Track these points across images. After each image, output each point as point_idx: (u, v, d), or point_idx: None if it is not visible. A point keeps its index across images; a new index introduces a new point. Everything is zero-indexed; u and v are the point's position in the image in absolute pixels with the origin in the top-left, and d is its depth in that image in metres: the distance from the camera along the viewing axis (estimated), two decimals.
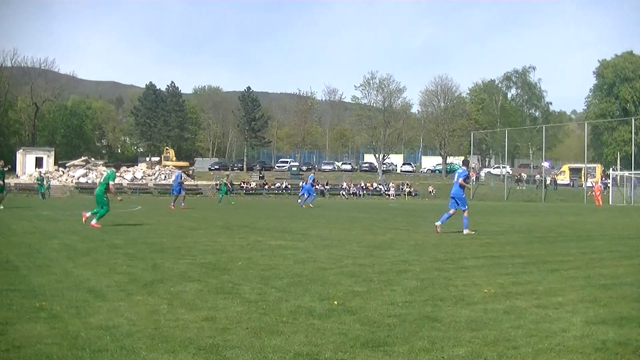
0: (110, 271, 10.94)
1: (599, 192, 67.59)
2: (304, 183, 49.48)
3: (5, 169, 35.36)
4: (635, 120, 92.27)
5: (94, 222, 21.43)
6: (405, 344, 6.28)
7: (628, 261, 13.28)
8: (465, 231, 20.83)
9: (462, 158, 25.72)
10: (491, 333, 6.75)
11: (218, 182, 50.75)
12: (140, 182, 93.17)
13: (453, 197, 21.75)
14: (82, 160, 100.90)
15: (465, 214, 21.43)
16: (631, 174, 78.34)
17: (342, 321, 7.22)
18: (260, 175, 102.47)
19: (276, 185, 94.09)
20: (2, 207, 32.42)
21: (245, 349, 6.01)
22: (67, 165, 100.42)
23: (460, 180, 21.64)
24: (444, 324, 7.16)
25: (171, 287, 9.37)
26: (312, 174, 52.03)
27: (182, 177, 42.16)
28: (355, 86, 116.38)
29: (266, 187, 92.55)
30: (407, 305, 8.18)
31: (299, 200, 40.29)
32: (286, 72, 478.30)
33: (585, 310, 7.98)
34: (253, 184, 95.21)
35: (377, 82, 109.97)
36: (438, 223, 21.18)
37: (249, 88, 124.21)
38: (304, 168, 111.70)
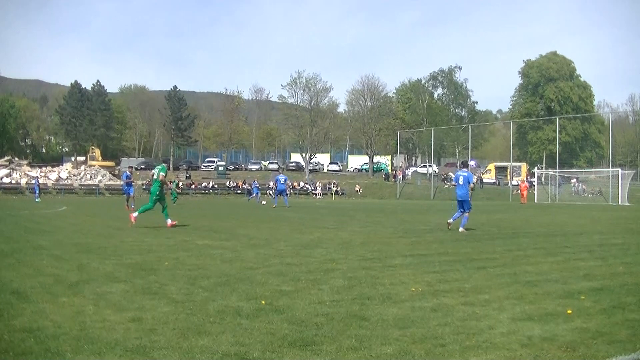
0: (35, 272, 10.76)
1: (525, 191, 68.53)
2: (275, 184, 47.68)
3: None
4: (559, 119, 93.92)
5: (134, 215, 22.24)
6: (333, 342, 6.31)
7: (553, 258, 13.52)
8: (462, 229, 21.15)
9: (462, 160, 25.68)
10: (419, 331, 6.82)
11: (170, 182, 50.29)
12: (65, 182, 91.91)
13: (461, 201, 22.16)
14: (5, 160, 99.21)
15: (467, 214, 21.84)
16: (555, 172, 79.76)
17: (270, 320, 7.23)
18: (187, 175, 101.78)
19: (203, 184, 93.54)
20: None
21: (173, 349, 5.98)
22: None
23: (471, 184, 22.03)
24: (372, 322, 7.21)
25: (97, 287, 9.26)
26: (281, 174, 49.00)
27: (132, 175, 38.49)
28: (282, 85, 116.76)
29: (193, 186, 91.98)
30: (335, 304, 8.22)
31: (269, 201, 38.76)
32: (213, 71, 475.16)
33: (511, 307, 8.12)
34: (180, 184, 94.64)
35: (304, 81, 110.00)
36: (450, 220, 22.10)
37: (175, 87, 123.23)
38: (231, 167, 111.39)
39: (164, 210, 22.24)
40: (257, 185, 66.35)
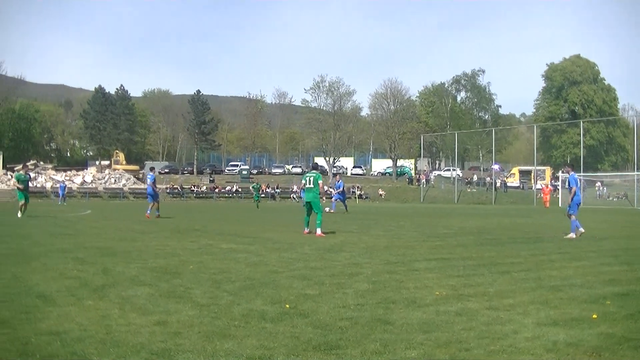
0: (60, 276, 10.82)
1: (547, 194, 68.00)
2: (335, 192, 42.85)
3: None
4: (583, 123, 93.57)
5: (319, 231, 20.81)
6: (357, 346, 6.30)
7: (577, 263, 13.44)
8: (572, 235, 21.30)
9: (569, 163, 25.53)
10: (443, 335, 6.79)
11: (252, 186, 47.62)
12: (90, 186, 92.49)
13: (577, 204, 22.10)
14: (30, 164, 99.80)
15: (574, 217, 21.71)
16: (580, 176, 79.28)
17: (294, 324, 7.23)
18: (211, 179, 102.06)
19: (227, 188, 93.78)
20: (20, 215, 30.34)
21: (197, 353, 5.99)
22: (15, 169, 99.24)
23: (574, 187, 21.94)
24: (396, 326, 7.19)
25: (122, 291, 9.30)
26: (340, 181, 43.24)
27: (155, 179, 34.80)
28: (305, 89, 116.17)
29: (216, 190, 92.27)
30: (359, 308, 8.20)
31: (328, 209, 35.67)
32: (236, 75, 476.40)
33: (536, 311, 8.07)
34: (203, 188, 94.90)
35: (327, 85, 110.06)
36: (582, 230, 21.60)
37: (198, 91, 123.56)
38: (254, 171, 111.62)
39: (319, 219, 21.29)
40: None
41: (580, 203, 21.89)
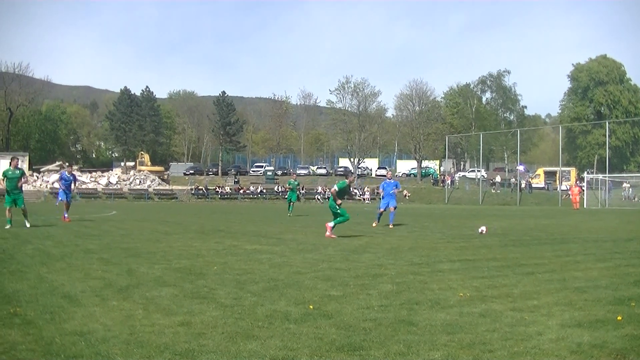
0: (85, 276, 10.89)
1: (577, 195, 67.25)
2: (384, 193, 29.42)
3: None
4: (609, 123, 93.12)
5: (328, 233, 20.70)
6: (381, 348, 6.30)
7: (602, 264, 13.35)
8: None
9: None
10: (467, 336, 6.78)
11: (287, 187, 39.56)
12: (115, 187, 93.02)
13: None
14: (56, 165, 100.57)
15: None
16: (605, 177, 78.94)
17: (318, 325, 7.24)
18: (236, 180, 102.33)
19: (251, 189, 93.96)
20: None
21: (221, 353, 6.01)
22: (41, 170, 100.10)
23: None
24: (420, 327, 7.19)
25: (146, 292, 9.35)
26: (394, 180, 31.28)
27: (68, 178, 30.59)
28: (330, 90, 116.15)
29: (241, 191, 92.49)
30: (383, 309, 8.21)
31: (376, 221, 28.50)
32: (261, 77, 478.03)
33: (560, 313, 8.04)
34: (228, 189, 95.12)
35: (352, 86, 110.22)
36: None
37: (223, 92, 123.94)
38: (279, 172, 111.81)
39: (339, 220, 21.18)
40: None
41: None
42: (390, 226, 25.86)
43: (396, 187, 27.90)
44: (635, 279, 11.11)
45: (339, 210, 20.84)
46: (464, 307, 8.36)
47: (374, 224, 26.86)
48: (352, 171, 26.82)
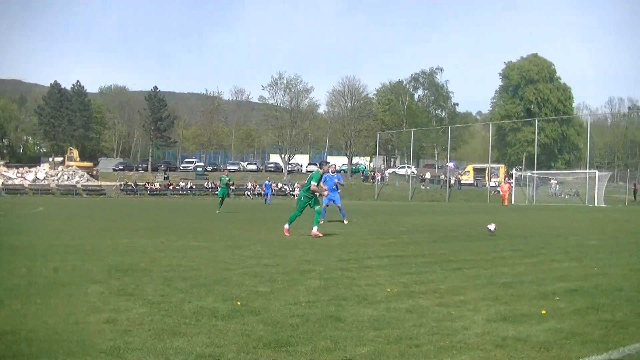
0: (9, 274, 10.70)
1: (507, 192, 68.09)
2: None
3: None
4: (538, 121, 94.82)
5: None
6: (308, 343, 6.32)
7: (529, 259, 13.60)
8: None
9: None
10: (394, 332, 6.84)
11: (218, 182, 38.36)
12: (42, 182, 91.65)
13: None
14: None
15: None
16: (533, 173, 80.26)
17: (245, 322, 7.23)
18: (165, 176, 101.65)
19: (181, 185, 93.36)
20: None
21: (147, 351, 5.96)
22: None
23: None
24: (347, 323, 7.23)
25: (72, 289, 9.22)
26: (337, 174, 29.86)
27: None
28: (262, 86, 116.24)
29: (171, 187, 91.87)
30: (311, 305, 8.24)
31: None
32: (194, 72, 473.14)
33: (486, 308, 8.17)
34: (157, 185, 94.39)
35: (285, 82, 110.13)
36: None
37: (155, 88, 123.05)
38: (209, 168, 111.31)
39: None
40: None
41: None
42: (345, 222, 26.00)
43: (338, 180, 27.77)
44: (560, 274, 11.34)
45: (299, 202, 20.38)
46: (391, 303, 8.42)
47: (320, 222, 26.82)
48: (327, 161, 25.89)
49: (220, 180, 38.81)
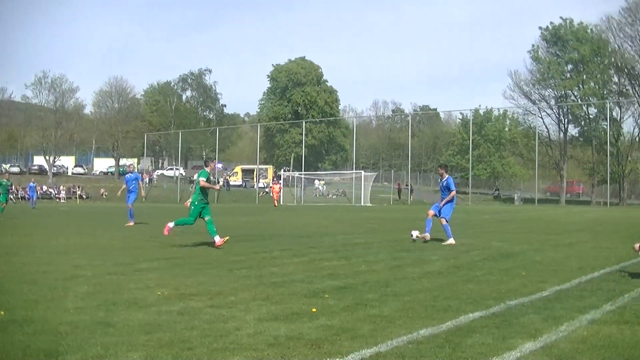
0: None
1: (278, 192, 69.01)
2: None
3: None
4: (305, 123, 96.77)
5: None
6: (77, 351, 6.23)
7: (298, 259, 14.03)
8: (450, 241, 18.59)
9: (442, 164, 21.29)
10: (166, 335, 6.89)
11: None
12: None
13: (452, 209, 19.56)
14: None
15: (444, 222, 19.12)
16: (301, 174, 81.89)
17: (10, 332, 7.03)
18: None
19: None
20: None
21: None
22: None
23: (453, 192, 19.33)
24: (118, 328, 7.20)
25: None
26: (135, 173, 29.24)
27: None
28: (25, 85, 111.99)
29: None
30: (79, 311, 8.12)
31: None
32: None
33: (257, 308, 8.38)
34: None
35: (50, 81, 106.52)
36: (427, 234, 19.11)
37: None
38: None
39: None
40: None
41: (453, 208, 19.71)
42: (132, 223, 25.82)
43: (136, 180, 27.62)
44: (328, 272, 11.79)
45: (193, 207, 18.61)
46: (162, 306, 8.46)
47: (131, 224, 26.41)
48: (213, 158, 24.76)
49: (1, 185, 37.19)
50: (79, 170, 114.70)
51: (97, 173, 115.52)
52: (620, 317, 7.93)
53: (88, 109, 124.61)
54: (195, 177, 19.03)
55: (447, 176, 19.27)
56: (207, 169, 19.05)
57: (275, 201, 66.77)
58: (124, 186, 28.10)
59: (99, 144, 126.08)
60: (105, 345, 6.45)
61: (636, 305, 8.67)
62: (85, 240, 19.14)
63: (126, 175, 28.10)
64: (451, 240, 18.26)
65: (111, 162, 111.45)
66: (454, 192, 19.20)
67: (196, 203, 18.26)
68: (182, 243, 18.12)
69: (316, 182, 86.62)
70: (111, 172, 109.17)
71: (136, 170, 30.63)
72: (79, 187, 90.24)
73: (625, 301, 8.99)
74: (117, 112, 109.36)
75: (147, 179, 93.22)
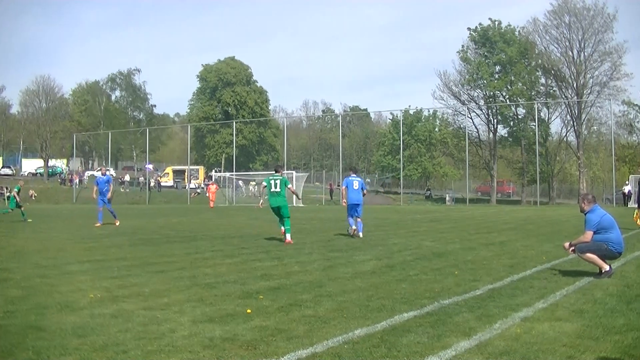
0: None
1: (214, 193, 68.63)
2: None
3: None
4: (236, 123, 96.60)
5: (288, 237, 18.73)
6: (8, 356, 6.08)
7: (230, 260, 13.90)
8: (362, 234, 20.56)
9: (352, 167, 22.03)
10: (99, 338, 6.73)
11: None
12: None
13: (356, 204, 20.89)
14: None
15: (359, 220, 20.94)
16: (232, 175, 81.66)
17: None
18: None
19: None
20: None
21: None
22: None
23: (365, 191, 21.27)
24: (50, 332, 7.00)
25: None
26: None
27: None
28: None
29: None
30: (10, 315, 7.91)
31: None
32: None
33: (191, 309, 8.25)
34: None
35: None
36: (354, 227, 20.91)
37: None
38: None
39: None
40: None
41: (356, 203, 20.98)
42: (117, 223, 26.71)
43: (108, 183, 27.78)
44: (261, 272, 11.69)
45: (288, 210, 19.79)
46: (95, 309, 8.28)
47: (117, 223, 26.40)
48: (282, 165, 24.79)
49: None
50: (7, 171, 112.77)
51: (26, 174, 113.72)
52: (552, 314, 8.04)
53: (15, 109, 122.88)
54: (265, 182, 20.46)
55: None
56: (284, 175, 20.34)
57: (212, 202, 66.32)
58: (96, 187, 27.72)
59: (27, 144, 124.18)
60: (37, 349, 6.30)
61: (567, 303, 8.77)
62: (13, 242, 18.72)
63: (97, 178, 27.89)
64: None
65: (40, 162, 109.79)
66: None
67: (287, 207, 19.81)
68: (106, 245, 17.72)
69: (250, 186, 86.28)
70: (40, 173, 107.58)
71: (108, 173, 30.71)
72: (6, 189, 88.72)
73: (557, 299, 9.11)
74: (45, 112, 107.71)
75: (77, 180, 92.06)
